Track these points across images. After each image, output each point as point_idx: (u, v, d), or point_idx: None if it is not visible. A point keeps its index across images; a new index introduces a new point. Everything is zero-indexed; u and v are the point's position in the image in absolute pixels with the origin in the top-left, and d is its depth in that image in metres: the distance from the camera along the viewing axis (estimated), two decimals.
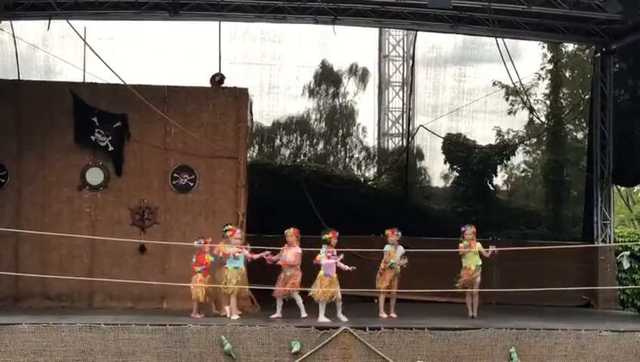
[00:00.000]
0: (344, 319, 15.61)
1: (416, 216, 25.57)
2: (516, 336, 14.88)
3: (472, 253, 17.26)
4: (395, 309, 17.12)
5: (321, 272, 15.99)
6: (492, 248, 17.27)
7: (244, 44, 26.70)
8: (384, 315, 16.82)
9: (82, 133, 18.40)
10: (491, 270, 21.34)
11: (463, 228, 17.61)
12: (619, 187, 23.97)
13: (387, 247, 17.04)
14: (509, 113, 28.81)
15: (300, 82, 29.43)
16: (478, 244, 17.38)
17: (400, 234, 17.15)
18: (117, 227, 18.33)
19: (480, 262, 17.34)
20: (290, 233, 16.35)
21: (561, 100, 29.24)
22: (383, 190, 28.62)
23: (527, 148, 30.21)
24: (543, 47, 28.36)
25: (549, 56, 28.92)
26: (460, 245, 17.40)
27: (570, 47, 28.81)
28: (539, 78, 28.93)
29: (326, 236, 16.19)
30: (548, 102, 29.14)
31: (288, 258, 16.15)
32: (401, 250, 17.02)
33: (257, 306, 17.63)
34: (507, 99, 28.66)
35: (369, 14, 21.46)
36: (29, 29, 22.75)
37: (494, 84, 28.18)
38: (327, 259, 15.94)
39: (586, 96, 24.66)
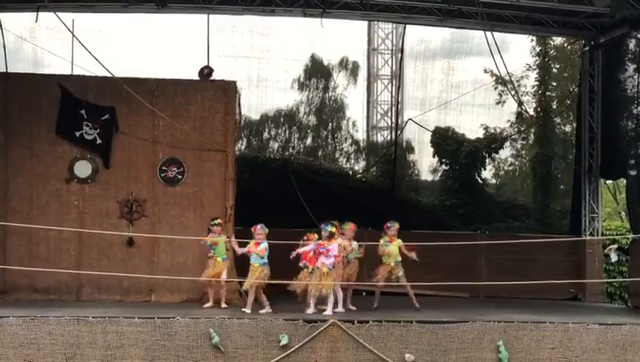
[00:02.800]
0: (328, 312, 15.66)
1: (405, 209, 25.61)
2: (504, 329, 14.93)
3: (391, 249, 17.24)
4: (381, 302, 17.24)
5: (308, 266, 16.05)
6: (413, 254, 16.98)
7: (232, 37, 26.72)
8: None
9: (66, 126, 18.31)
10: (479, 263, 21.47)
11: (388, 224, 17.44)
12: (605, 180, 24.03)
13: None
14: (498, 103, 28.88)
15: (288, 75, 29.53)
16: (398, 241, 17.23)
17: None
18: (105, 220, 18.27)
19: (400, 258, 17.24)
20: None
21: (550, 93, 29.28)
22: (372, 183, 28.65)
23: (516, 141, 30.29)
24: (532, 39, 28.44)
25: (538, 49, 28.97)
26: (381, 241, 17.33)
27: (557, 40, 28.89)
28: (528, 69, 29.00)
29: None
30: (536, 95, 29.20)
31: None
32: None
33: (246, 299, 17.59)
34: (496, 89, 28.71)
35: (357, 7, 21.45)
36: (17, 21, 22.65)
37: (485, 71, 28.18)
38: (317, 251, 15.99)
39: (575, 90, 24.72)
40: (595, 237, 22.30)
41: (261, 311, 15.75)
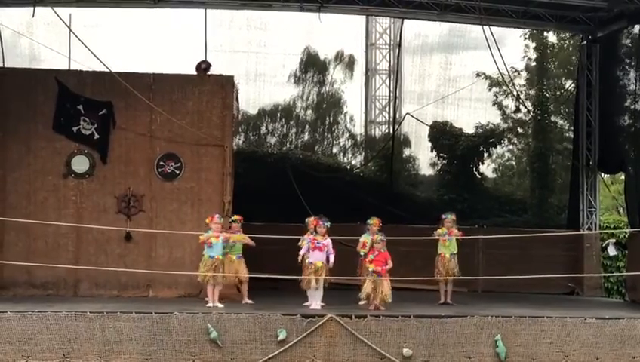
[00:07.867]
0: (315, 306, 15.71)
1: (403, 203, 25.61)
2: (502, 324, 14.91)
3: (448, 241, 17.30)
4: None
5: (306, 260, 16.04)
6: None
7: (229, 31, 26.61)
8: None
9: (63, 121, 18.30)
10: (477, 257, 21.48)
11: (443, 216, 17.63)
12: (602, 174, 24.05)
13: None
14: (494, 104, 28.91)
15: (286, 70, 29.44)
16: (455, 232, 17.39)
17: None
18: (103, 215, 18.25)
19: (455, 251, 17.37)
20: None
21: (546, 89, 29.26)
22: (370, 178, 28.64)
23: (513, 136, 30.26)
24: (526, 38, 28.57)
25: (532, 45, 28.99)
26: (438, 231, 17.40)
27: (553, 38, 28.93)
28: (528, 60, 29.05)
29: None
30: (533, 91, 29.20)
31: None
32: None
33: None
34: (490, 90, 28.75)
35: (355, 2, 21.47)
36: (14, 16, 22.63)
37: (478, 75, 28.23)
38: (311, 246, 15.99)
39: (572, 85, 24.72)
40: (593, 231, 22.32)
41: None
